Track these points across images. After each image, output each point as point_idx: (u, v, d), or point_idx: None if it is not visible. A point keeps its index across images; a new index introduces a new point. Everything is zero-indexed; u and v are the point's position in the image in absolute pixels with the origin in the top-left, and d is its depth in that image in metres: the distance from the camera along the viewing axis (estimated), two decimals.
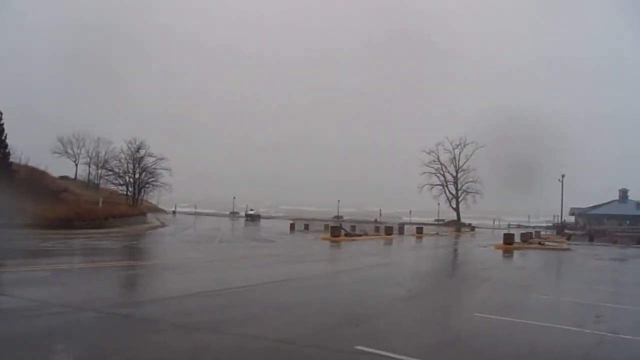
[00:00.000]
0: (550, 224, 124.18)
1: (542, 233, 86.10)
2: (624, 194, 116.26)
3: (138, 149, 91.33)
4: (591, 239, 75.85)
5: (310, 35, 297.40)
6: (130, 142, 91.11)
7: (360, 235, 60.56)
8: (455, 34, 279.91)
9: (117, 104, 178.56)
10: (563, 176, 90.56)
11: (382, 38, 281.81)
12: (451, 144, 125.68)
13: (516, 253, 43.67)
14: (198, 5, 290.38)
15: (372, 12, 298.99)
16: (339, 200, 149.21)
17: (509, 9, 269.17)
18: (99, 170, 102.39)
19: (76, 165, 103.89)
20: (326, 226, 73.22)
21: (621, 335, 12.16)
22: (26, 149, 61.16)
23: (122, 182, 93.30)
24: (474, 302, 17.15)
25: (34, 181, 48.37)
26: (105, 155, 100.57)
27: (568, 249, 50.95)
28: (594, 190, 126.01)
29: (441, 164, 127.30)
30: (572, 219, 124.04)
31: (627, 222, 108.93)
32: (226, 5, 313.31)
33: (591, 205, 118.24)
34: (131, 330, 10.92)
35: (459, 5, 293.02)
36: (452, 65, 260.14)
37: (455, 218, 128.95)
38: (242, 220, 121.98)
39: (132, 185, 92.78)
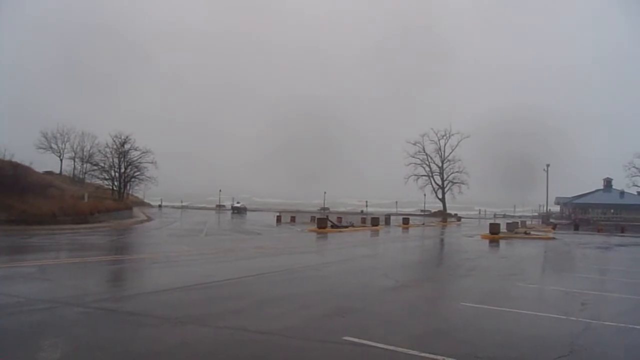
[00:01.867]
0: (536, 214, 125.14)
1: (528, 222, 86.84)
2: (608, 183, 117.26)
3: (123, 143, 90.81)
4: (576, 228, 76.58)
5: (301, 29, 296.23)
6: (115, 136, 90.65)
7: (347, 227, 60.73)
8: (448, 30, 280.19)
9: (103, 99, 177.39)
10: (548, 166, 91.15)
11: (377, 35, 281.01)
12: (436, 134, 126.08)
13: (502, 242, 43.87)
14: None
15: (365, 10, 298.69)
16: (325, 192, 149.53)
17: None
18: (84, 165, 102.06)
19: (61, 160, 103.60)
20: (313, 218, 73.41)
21: (606, 323, 12.27)
22: (11, 145, 60.95)
23: (107, 177, 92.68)
24: (461, 292, 17.23)
25: (19, 177, 47.86)
26: (90, 149, 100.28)
27: (553, 238, 51.31)
28: (579, 180, 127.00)
29: (427, 154, 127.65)
30: (557, 208, 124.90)
31: (612, 210, 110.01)
32: None
33: (576, 194, 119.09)
34: (118, 324, 10.89)
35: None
36: (444, 61, 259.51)
37: (441, 208, 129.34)
38: (229, 213, 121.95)
39: (118, 179, 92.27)
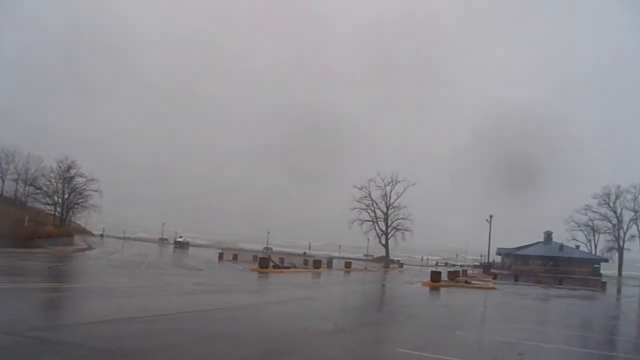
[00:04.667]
0: (477, 263, 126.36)
1: (469, 272, 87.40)
2: (548, 236, 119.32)
3: (68, 169, 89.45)
4: (516, 279, 77.51)
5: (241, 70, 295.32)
6: (60, 161, 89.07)
7: (288, 268, 60.24)
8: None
9: (52, 122, 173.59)
10: (491, 217, 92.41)
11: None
12: (383, 180, 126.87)
13: (443, 290, 44.01)
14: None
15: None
16: (268, 232, 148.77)
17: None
18: (27, 188, 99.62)
19: (3, 181, 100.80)
20: (255, 257, 72.89)
21: None
22: None
23: (50, 202, 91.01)
24: (399, 338, 17.10)
25: None
26: (34, 172, 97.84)
27: (494, 288, 51.72)
28: (521, 232, 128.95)
29: (372, 200, 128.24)
30: (499, 258, 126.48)
31: (551, 263, 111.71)
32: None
33: (517, 245, 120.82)
34: (48, 355, 10.61)
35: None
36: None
37: (384, 254, 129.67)
38: (171, 247, 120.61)
39: (61, 205, 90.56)
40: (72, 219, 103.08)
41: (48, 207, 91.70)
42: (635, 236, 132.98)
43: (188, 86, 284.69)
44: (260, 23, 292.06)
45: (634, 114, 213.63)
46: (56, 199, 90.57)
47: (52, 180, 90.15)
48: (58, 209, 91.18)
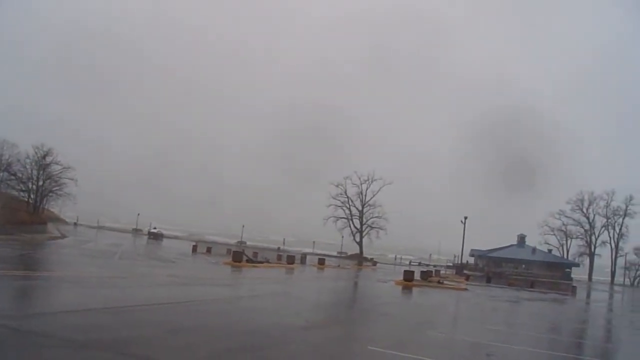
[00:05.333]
0: (451, 264, 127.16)
1: (442, 272, 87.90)
2: (521, 239, 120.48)
3: (45, 156, 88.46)
4: (488, 281, 78.14)
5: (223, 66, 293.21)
6: (37, 148, 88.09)
7: (262, 262, 60.12)
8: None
9: (29, 108, 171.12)
10: (466, 218, 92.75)
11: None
12: (359, 178, 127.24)
13: (415, 290, 44.15)
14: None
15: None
16: (243, 226, 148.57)
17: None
18: (1, 174, 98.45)
19: None
20: (229, 250, 72.75)
21: None
22: None
23: (24, 189, 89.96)
24: (369, 336, 17.12)
25: None
26: (8, 158, 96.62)
27: (466, 289, 52.04)
28: (495, 234, 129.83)
29: (348, 197, 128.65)
30: (472, 260, 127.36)
31: (523, 266, 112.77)
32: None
33: (491, 248, 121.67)
34: (18, 344, 10.54)
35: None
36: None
37: (358, 252, 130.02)
38: (145, 237, 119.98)
39: (35, 192, 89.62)
40: (47, 207, 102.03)
41: (22, 193, 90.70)
42: (606, 242, 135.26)
43: (179, 76, 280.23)
44: (259, 23, 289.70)
45: (618, 122, 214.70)
46: (30, 185, 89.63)
47: (27, 167, 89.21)
48: (32, 196, 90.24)
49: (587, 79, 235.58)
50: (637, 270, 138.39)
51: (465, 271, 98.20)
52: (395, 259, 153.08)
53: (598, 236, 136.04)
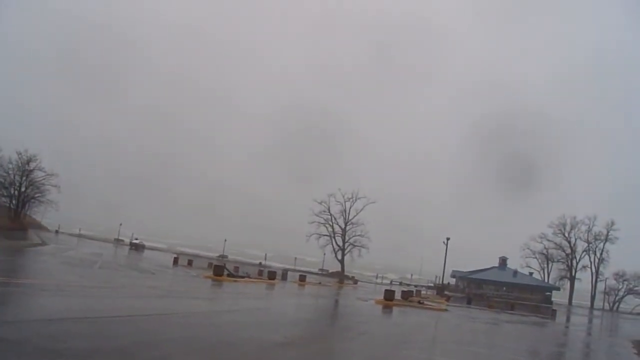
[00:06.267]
0: (432, 284, 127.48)
1: (423, 292, 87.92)
2: (503, 261, 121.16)
3: (28, 161, 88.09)
4: (469, 302, 78.33)
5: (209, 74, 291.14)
6: (20, 153, 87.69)
7: (243, 277, 59.87)
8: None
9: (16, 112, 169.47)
10: (448, 239, 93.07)
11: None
12: (343, 196, 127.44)
13: (395, 309, 44.09)
14: None
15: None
16: (225, 240, 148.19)
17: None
18: None
19: None
20: (210, 264, 72.52)
21: None
22: None
23: (5, 194, 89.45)
24: (345, 354, 17.10)
25: None
26: None
27: (446, 310, 52.06)
28: (476, 256, 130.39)
29: (331, 215, 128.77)
30: (453, 281, 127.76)
31: (504, 288, 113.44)
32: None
33: (472, 269, 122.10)
34: None
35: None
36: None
37: (340, 269, 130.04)
38: (126, 248, 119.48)
39: (17, 198, 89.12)
40: (28, 213, 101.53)
41: (3, 199, 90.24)
42: (587, 266, 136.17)
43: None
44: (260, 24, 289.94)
45: (601, 147, 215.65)
46: (12, 191, 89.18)
47: (10, 172, 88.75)
48: (14, 202, 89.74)
49: (573, 99, 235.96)
50: (616, 295, 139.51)
51: (446, 292, 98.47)
52: (377, 277, 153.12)
53: (579, 260, 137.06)
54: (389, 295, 50.03)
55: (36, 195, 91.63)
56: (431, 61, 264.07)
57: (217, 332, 17.65)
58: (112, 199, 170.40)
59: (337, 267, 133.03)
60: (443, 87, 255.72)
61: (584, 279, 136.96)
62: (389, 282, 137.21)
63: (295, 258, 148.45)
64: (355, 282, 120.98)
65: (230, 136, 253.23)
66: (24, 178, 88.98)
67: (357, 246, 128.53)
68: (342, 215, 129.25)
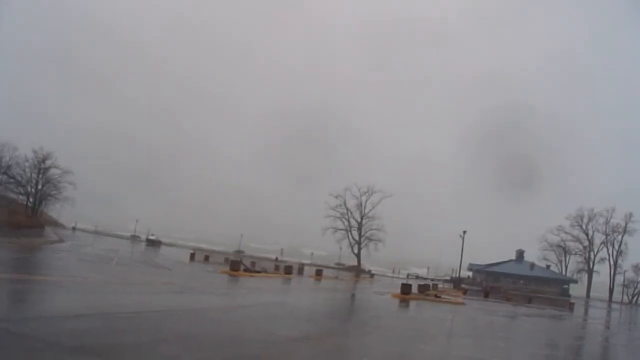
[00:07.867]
0: (448, 278, 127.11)
1: (440, 286, 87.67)
2: (520, 254, 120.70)
3: (44, 159, 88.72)
4: (486, 295, 78.03)
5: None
6: (36, 151, 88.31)
7: (259, 272, 59.92)
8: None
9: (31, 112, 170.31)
10: (464, 232, 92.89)
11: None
12: (359, 190, 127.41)
13: (412, 303, 44.00)
14: None
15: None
16: (242, 235, 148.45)
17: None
18: (0, 177, 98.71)
19: None
20: (226, 259, 72.65)
21: None
22: None
23: (22, 192, 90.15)
24: (363, 349, 17.00)
25: None
26: (8, 161, 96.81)
27: (463, 304, 51.83)
28: (493, 249, 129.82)
29: (347, 209, 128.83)
30: (470, 274, 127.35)
31: (521, 281, 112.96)
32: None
33: (489, 262, 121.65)
34: (7, 347, 10.36)
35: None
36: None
37: (356, 263, 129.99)
38: (143, 244, 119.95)
39: (34, 195, 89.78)
40: (45, 211, 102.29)
41: (20, 196, 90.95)
42: (605, 259, 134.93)
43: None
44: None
45: (621, 138, 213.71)
46: (29, 189, 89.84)
47: (27, 170, 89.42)
48: (31, 200, 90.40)
49: (594, 88, 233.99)
50: (635, 288, 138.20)
51: (463, 285, 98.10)
52: (394, 271, 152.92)
53: (597, 253, 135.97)
54: (405, 289, 49.90)
55: (52, 192, 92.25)
56: (446, 50, 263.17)
57: (234, 328, 17.67)
58: (122, 196, 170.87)
59: (353, 261, 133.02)
60: (453, 80, 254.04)
61: (602, 272, 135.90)
62: (405, 275, 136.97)
63: (312, 253, 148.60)
64: (372, 276, 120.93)
65: (236, 137, 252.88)
66: (40, 175, 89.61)
67: (374, 240, 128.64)
68: (359, 209, 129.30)
